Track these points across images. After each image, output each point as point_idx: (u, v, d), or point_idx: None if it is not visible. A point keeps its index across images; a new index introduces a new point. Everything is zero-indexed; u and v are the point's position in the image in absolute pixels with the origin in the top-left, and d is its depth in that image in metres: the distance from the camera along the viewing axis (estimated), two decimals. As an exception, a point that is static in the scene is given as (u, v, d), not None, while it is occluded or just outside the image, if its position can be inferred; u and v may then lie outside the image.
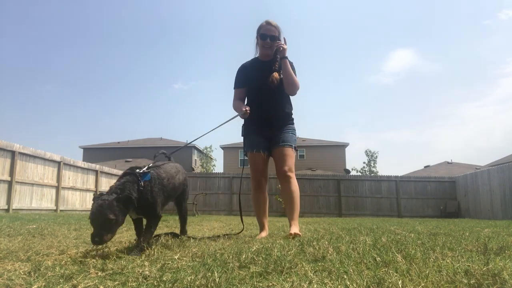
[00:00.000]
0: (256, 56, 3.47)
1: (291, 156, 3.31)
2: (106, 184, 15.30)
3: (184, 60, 53.17)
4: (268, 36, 3.29)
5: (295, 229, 3.04)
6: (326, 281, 1.28)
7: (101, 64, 52.77)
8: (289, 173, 3.25)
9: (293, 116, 3.49)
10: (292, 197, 3.24)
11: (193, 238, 2.84)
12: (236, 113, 3.28)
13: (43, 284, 1.27)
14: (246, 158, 3.46)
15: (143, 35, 53.08)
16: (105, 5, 50.98)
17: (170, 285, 1.25)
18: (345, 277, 1.32)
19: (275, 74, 3.23)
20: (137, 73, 53.50)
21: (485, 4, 52.06)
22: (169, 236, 2.77)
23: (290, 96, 3.42)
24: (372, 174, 30.18)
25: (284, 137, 3.33)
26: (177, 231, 3.19)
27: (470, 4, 53.70)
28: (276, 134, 3.34)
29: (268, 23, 3.32)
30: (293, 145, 3.36)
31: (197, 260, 1.76)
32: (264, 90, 3.26)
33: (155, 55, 53.76)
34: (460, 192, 16.95)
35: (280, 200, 16.57)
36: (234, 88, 3.47)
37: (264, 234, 3.25)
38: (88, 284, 1.27)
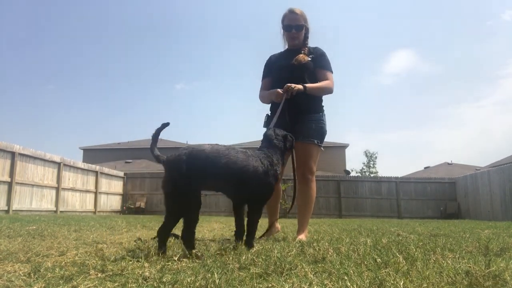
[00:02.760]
0: (286, 48, 3.31)
1: (311, 154, 3.04)
2: (106, 185, 15.29)
3: (186, 60, 53.18)
4: (293, 27, 3.14)
5: (302, 235, 2.94)
6: (326, 283, 1.28)
7: (102, 64, 52.78)
8: (308, 175, 3.04)
9: (322, 104, 3.19)
10: (308, 202, 3.06)
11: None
12: (275, 103, 3.05)
13: (43, 285, 1.26)
14: None
15: (145, 34, 53.11)
16: (106, 4, 51.06)
17: (170, 286, 1.25)
18: (346, 278, 1.32)
19: (300, 55, 3.06)
20: (138, 73, 53.53)
21: (488, 4, 52.07)
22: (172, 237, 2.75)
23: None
24: (372, 175, 30.18)
25: (306, 129, 3.03)
26: (177, 232, 3.17)
27: (472, 4, 53.74)
28: (296, 125, 3.04)
29: (291, 11, 3.14)
30: (316, 141, 3.05)
31: (197, 261, 1.76)
32: (286, 76, 3.00)
33: (157, 55, 53.81)
34: (460, 193, 16.93)
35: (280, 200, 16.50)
36: (262, 80, 3.31)
37: (269, 234, 3.11)
38: (88, 286, 1.26)
